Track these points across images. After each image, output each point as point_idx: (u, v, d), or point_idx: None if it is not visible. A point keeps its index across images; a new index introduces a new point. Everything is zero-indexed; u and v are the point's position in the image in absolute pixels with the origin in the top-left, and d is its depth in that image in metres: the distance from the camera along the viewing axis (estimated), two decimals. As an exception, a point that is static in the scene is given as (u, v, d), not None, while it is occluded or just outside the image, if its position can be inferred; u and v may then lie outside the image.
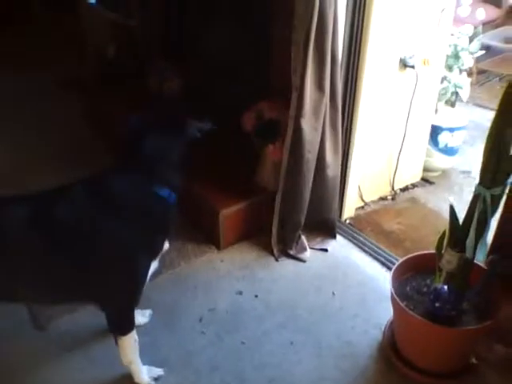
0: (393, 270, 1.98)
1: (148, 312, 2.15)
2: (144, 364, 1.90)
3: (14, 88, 3.94)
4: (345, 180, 2.63)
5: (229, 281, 2.40)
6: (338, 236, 2.62)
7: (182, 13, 3.16)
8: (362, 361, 2.00)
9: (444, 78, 2.88)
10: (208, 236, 2.60)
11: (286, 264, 2.49)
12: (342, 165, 2.50)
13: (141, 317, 2.09)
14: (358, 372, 1.96)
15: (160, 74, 3.22)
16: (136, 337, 1.83)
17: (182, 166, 1.71)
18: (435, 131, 2.98)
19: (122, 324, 1.80)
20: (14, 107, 3.74)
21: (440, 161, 3.07)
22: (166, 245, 1.83)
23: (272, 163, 2.50)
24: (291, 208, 2.45)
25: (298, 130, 2.24)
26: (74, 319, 2.11)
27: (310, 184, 2.40)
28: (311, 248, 2.55)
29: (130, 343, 1.81)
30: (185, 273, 2.43)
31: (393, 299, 1.91)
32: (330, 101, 2.27)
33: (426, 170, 3.07)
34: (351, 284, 2.35)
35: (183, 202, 2.64)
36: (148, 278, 1.78)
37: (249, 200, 2.55)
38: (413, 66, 2.55)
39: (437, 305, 1.82)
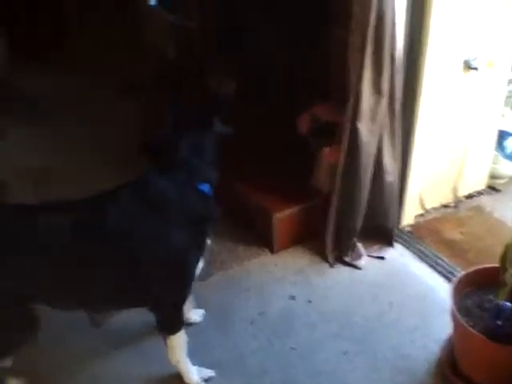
0: (454, 284, 1.88)
1: (201, 312, 2.15)
2: (194, 365, 1.89)
3: (74, 89, 4.03)
4: (404, 186, 2.53)
5: (282, 285, 2.36)
6: (395, 244, 2.53)
7: (240, 12, 3.16)
8: (419, 376, 1.92)
9: (511, 81, 2.73)
10: (261, 238, 2.58)
11: (341, 271, 2.43)
12: (401, 170, 2.41)
13: (194, 315, 2.10)
14: (414, 387, 1.88)
15: (216, 75, 3.24)
16: (185, 336, 1.82)
17: (216, 161, 1.75)
18: (502, 136, 2.83)
19: (170, 323, 1.80)
20: (75, 107, 3.83)
21: (507, 167, 2.91)
22: (208, 241, 1.82)
23: (328, 166, 2.45)
24: (347, 213, 2.38)
25: (354, 132, 2.19)
26: (125, 316, 2.13)
27: (367, 189, 2.33)
28: (368, 255, 2.47)
29: (179, 342, 1.81)
30: (237, 275, 2.42)
31: (453, 314, 1.81)
32: (389, 104, 2.20)
33: (492, 176, 2.91)
34: (409, 294, 2.26)
35: (237, 203, 2.68)
36: (196, 275, 1.77)
37: (303, 204, 2.51)
38: (476, 68, 2.42)
39: (498, 322, 1.71)
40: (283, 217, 2.48)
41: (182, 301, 1.79)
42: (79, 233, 1.59)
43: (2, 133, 3.37)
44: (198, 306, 2.14)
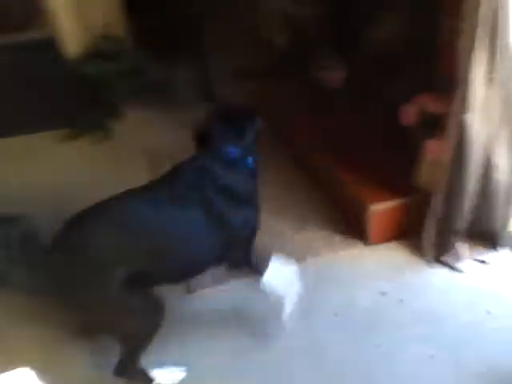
0: None
1: None
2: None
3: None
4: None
5: (373, 279, 2.30)
6: (502, 249, 2.33)
7: (349, 3, 3.10)
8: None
9: None
10: (356, 229, 2.52)
11: (439, 272, 2.31)
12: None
13: None
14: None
15: (325, 64, 3.21)
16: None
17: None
18: None
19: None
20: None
21: None
22: None
23: (431, 160, 2.31)
24: (451, 212, 2.24)
25: (463, 126, 2.04)
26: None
27: (475, 187, 2.17)
28: (469, 258, 2.32)
29: None
30: (329, 263, 2.39)
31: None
32: (502, 94, 2.02)
33: None
34: (510, 304, 2.09)
35: (334, 191, 2.65)
36: None
37: (401, 198, 2.41)
38: None
39: None
40: (380, 209, 2.41)
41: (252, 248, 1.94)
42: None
43: (121, 115, 3.63)
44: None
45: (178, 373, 1.90)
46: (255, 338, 2.03)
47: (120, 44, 3.83)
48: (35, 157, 3.32)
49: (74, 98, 3.50)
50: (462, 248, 2.32)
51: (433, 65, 2.44)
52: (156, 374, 1.86)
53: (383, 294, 2.21)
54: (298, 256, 2.26)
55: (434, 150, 2.27)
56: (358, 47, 3.00)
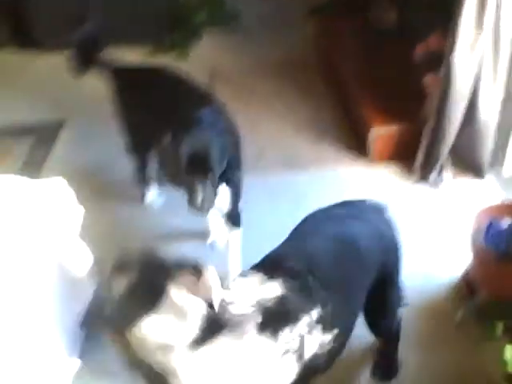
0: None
1: None
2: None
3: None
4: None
5: (360, 186, 2.78)
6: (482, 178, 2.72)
7: None
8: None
9: None
10: (362, 148, 2.98)
11: (418, 187, 2.76)
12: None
13: None
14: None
15: (379, 6, 3.56)
16: None
17: None
18: None
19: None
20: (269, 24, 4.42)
21: None
22: None
23: (430, 94, 2.70)
24: (437, 138, 2.65)
25: (449, 64, 2.42)
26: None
27: (458, 121, 2.56)
28: (449, 181, 2.73)
29: None
30: (330, 173, 2.89)
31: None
32: (493, 41, 2.35)
33: None
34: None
35: (347, 111, 3.09)
36: None
37: (403, 124, 2.84)
38: None
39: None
40: (382, 131, 2.87)
41: None
42: None
43: (198, 35, 4.22)
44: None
45: None
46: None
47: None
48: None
49: (164, 18, 4.16)
50: (446, 172, 2.73)
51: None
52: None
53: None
54: (308, 164, 2.86)
55: (431, 85, 2.66)
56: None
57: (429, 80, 2.68)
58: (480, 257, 2.07)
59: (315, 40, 3.94)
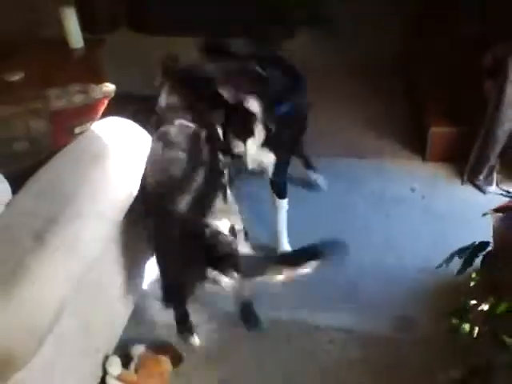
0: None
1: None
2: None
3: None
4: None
5: (411, 181, 2.93)
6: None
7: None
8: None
9: None
10: (420, 146, 3.14)
11: (466, 189, 2.88)
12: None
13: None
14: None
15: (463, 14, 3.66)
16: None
17: None
18: None
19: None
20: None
21: None
22: None
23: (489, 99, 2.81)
24: (488, 143, 2.76)
25: (505, 69, 2.56)
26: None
27: (505, 127, 2.66)
28: (497, 186, 2.82)
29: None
30: (386, 165, 3.09)
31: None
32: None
33: None
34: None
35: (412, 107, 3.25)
36: None
37: (461, 126, 2.96)
38: None
39: None
40: (439, 132, 3.02)
41: None
42: None
43: (291, 32, 4.55)
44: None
45: None
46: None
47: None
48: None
49: (260, 15, 4.54)
50: (494, 176, 2.83)
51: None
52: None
53: (412, 189, 2.88)
54: (366, 154, 3.12)
55: (489, 90, 2.77)
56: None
57: (488, 85, 2.79)
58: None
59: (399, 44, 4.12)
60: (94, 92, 1.79)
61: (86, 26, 4.29)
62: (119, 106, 2.16)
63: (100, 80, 3.00)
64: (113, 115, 1.87)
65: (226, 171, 2.01)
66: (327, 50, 4.31)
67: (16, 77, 2.81)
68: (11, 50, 3.13)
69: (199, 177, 1.78)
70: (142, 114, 2.07)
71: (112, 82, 3.49)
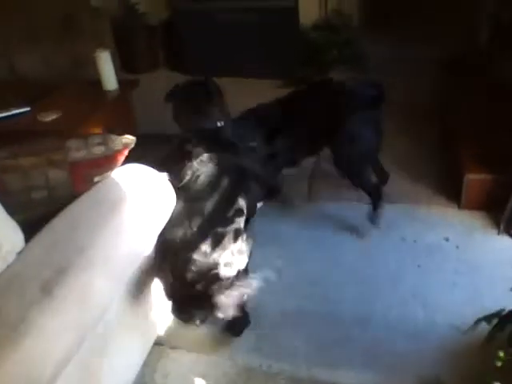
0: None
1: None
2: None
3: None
4: None
5: (446, 230, 2.81)
6: None
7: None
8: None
9: None
10: (455, 193, 3.02)
11: (502, 240, 2.72)
12: None
13: None
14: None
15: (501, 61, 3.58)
16: None
17: None
18: None
19: None
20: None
21: None
22: None
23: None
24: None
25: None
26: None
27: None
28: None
29: None
30: (420, 211, 2.99)
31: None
32: None
33: None
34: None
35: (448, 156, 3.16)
36: None
37: (498, 174, 2.84)
38: None
39: None
40: (475, 180, 2.89)
41: None
42: None
43: (326, 71, 4.55)
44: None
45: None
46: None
47: (346, 19, 4.76)
48: (257, 95, 4.49)
49: (296, 56, 4.57)
50: (533, 228, 2.68)
51: None
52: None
53: (446, 239, 2.76)
54: (401, 199, 3.04)
55: (527, 138, 2.66)
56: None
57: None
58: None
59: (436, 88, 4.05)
60: (114, 143, 1.80)
61: (125, 65, 4.47)
62: (146, 148, 2.21)
63: (128, 121, 3.07)
64: (136, 161, 1.88)
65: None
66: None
67: (50, 117, 2.88)
68: (49, 90, 3.24)
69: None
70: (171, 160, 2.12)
71: (142, 122, 3.60)
